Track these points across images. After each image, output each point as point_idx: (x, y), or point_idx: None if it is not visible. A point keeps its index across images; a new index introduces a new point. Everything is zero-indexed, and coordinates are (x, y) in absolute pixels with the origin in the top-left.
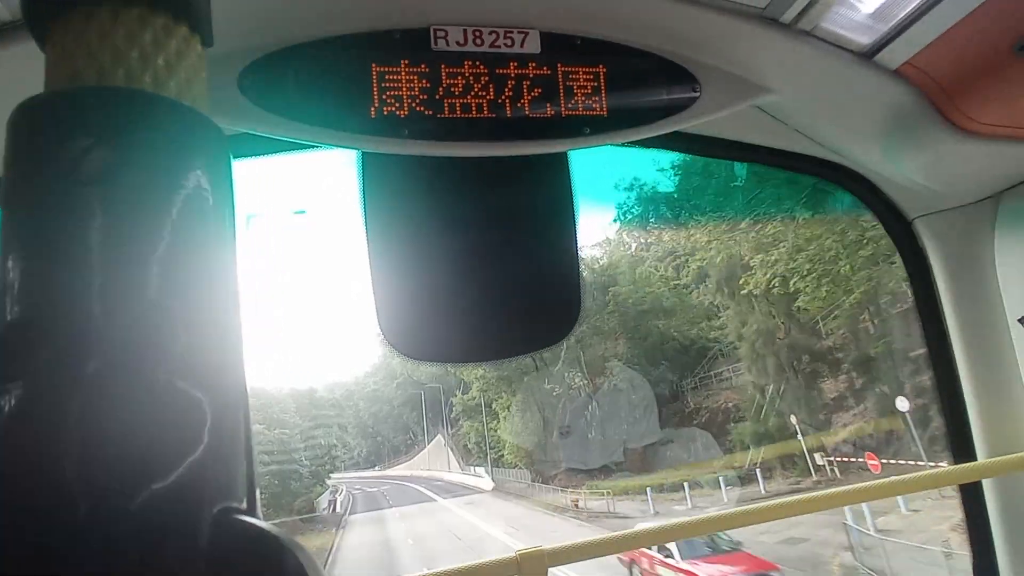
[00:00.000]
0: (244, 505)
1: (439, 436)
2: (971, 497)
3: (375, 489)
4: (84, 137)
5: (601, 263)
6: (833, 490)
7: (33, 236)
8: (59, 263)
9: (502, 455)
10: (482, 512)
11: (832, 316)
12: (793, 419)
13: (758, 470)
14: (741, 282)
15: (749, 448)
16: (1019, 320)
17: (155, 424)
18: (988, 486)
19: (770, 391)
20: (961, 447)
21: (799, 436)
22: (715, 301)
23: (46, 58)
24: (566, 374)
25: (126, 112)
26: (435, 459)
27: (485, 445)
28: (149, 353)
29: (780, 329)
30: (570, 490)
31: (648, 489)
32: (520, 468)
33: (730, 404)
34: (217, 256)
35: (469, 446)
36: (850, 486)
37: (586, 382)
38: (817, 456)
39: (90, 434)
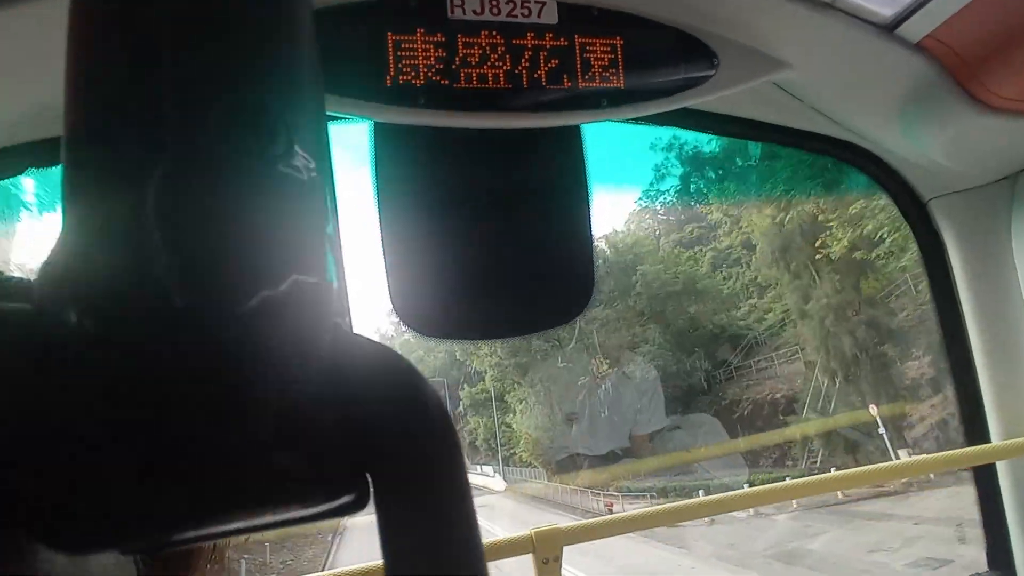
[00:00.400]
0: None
1: None
2: (984, 479)
3: None
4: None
5: (625, 239)
6: (847, 471)
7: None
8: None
9: (514, 452)
10: (502, 519)
11: (896, 293)
12: (873, 410)
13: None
14: (818, 244)
15: (810, 445)
16: None
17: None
18: (1002, 468)
19: (839, 377)
20: (975, 429)
21: (880, 429)
22: (756, 278)
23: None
24: (592, 361)
25: None
26: None
27: (496, 441)
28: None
29: (852, 305)
30: (599, 493)
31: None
32: (535, 467)
33: (777, 395)
34: None
35: (477, 443)
36: (863, 467)
37: (612, 371)
38: (903, 453)
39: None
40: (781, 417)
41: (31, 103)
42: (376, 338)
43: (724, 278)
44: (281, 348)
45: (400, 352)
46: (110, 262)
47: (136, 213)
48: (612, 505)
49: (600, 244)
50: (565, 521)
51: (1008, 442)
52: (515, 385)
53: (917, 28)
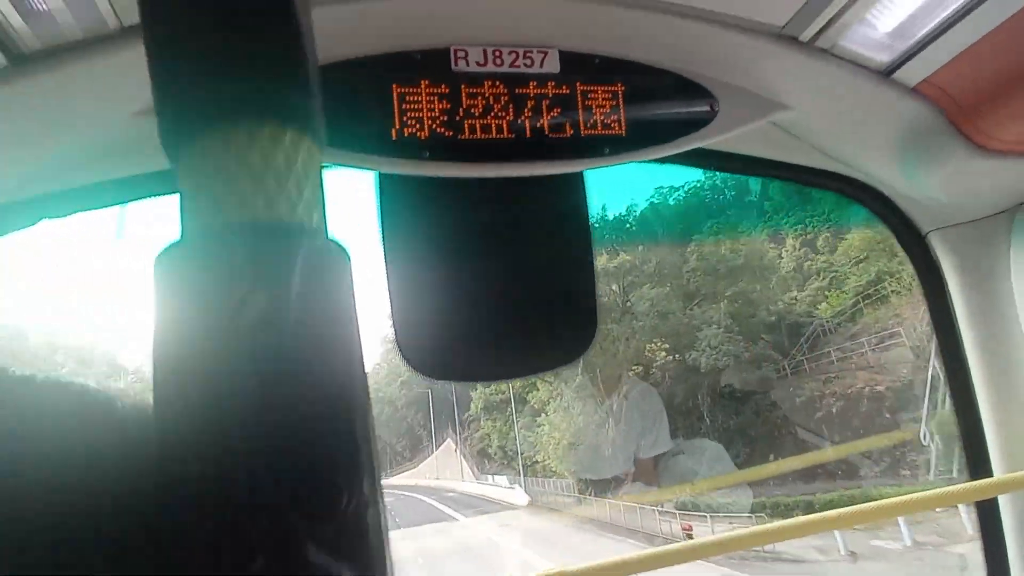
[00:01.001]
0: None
1: (448, 441)
2: (987, 514)
3: None
4: (242, 282)
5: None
6: (849, 509)
7: (192, 381)
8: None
9: (536, 462)
10: (537, 545)
11: None
12: None
13: None
14: None
15: (939, 453)
16: None
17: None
18: (1004, 502)
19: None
20: (977, 463)
21: None
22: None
23: (179, 180)
24: (646, 347)
25: (275, 249)
26: (444, 467)
27: (515, 448)
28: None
29: None
30: (667, 511)
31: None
32: (563, 477)
33: (878, 387)
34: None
35: (490, 450)
36: (865, 505)
37: (671, 357)
38: None
39: None
40: (888, 415)
41: (45, 155)
42: (370, 355)
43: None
44: None
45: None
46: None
47: None
48: (691, 529)
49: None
50: (620, 541)
51: (1011, 476)
52: (539, 385)
53: (913, 74)
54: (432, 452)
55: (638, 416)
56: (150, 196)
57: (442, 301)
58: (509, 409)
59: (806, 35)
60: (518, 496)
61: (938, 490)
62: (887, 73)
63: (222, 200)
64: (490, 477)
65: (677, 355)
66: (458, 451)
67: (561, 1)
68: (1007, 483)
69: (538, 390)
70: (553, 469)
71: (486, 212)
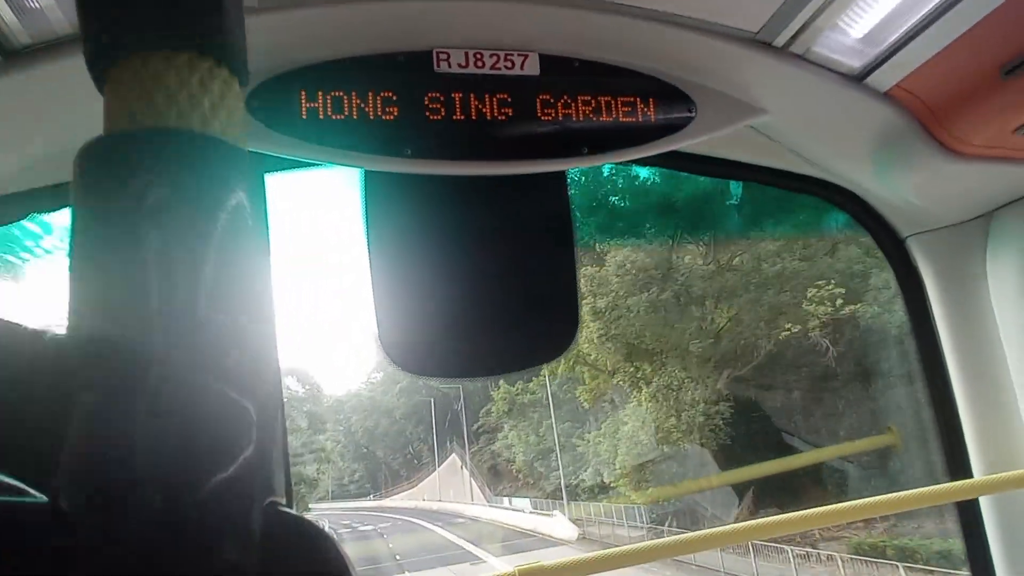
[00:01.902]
0: (284, 500)
1: (453, 456)
2: (968, 515)
3: (370, 527)
4: (145, 174)
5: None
6: (832, 506)
7: (100, 262)
8: (123, 286)
9: (582, 480)
10: None
11: None
12: None
13: None
14: None
15: None
16: None
17: (212, 427)
18: (985, 503)
19: None
20: (957, 464)
21: None
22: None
23: (104, 98)
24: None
25: (178, 151)
26: (448, 486)
27: (550, 462)
28: (202, 365)
29: None
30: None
31: None
32: (625, 501)
33: None
34: (257, 272)
35: (513, 466)
36: (848, 503)
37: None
38: None
39: (156, 434)
40: None
41: (35, 150)
42: (364, 362)
43: None
44: (221, 528)
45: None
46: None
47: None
48: None
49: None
50: None
51: (990, 477)
52: (587, 376)
53: (885, 79)
54: (435, 469)
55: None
56: None
57: (425, 298)
58: (535, 414)
59: (780, 40)
60: (560, 526)
61: (919, 490)
62: (860, 78)
63: (138, 111)
64: (506, 500)
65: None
66: (465, 468)
67: (541, 6)
68: (987, 484)
69: (586, 383)
70: (620, 488)
71: (469, 210)
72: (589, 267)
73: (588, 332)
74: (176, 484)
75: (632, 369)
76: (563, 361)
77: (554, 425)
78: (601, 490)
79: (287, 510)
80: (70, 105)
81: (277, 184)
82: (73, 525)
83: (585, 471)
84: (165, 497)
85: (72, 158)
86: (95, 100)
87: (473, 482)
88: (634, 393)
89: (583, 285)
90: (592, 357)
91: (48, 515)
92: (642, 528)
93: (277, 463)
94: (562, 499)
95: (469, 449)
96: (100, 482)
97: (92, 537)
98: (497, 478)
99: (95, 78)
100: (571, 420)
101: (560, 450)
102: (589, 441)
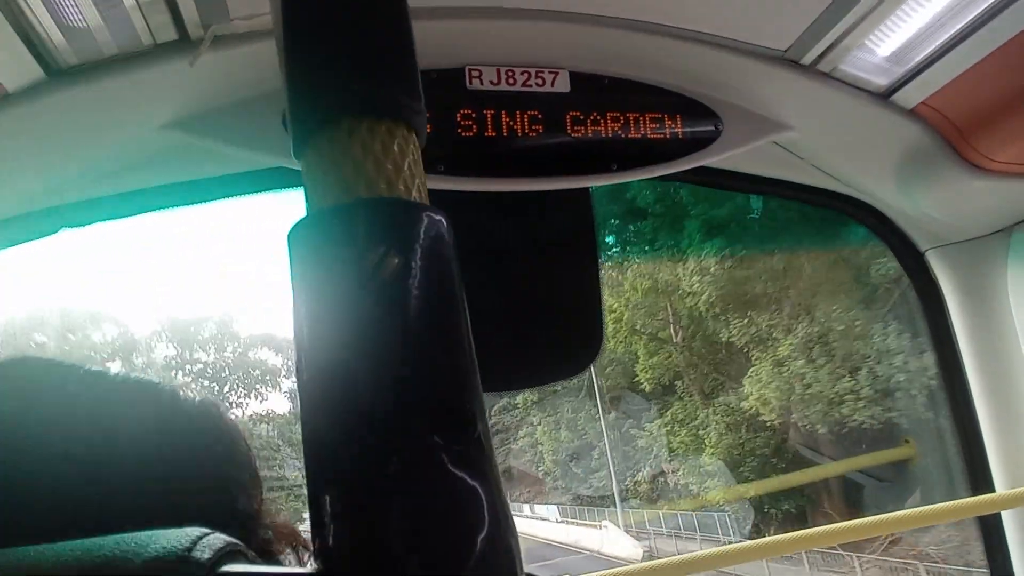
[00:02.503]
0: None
1: None
2: (990, 529)
3: None
4: (379, 245)
5: None
6: (854, 522)
7: (336, 331)
8: (360, 352)
9: (636, 483)
10: None
11: None
12: None
13: None
14: None
15: None
16: None
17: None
18: (1007, 518)
19: None
20: (979, 479)
21: None
22: None
23: (303, 169)
24: None
25: (398, 220)
26: None
27: (600, 461)
28: (430, 434)
29: None
30: None
31: None
32: (679, 498)
33: None
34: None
35: (543, 463)
36: (870, 518)
37: None
38: None
39: (408, 519)
40: None
41: (70, 167)
42: None
43: None
44: None
45: None
46: None
47: None
48: None
49: None
50: None
51: (1012, 492)
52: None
53: (911, 96)
54: None
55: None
56: (168, 207)
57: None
58: (567, 403)
59: (807, 59)
60: (613, 539)
61: (941, 505)
62: (886, 95)
63: (350, 181)
64: (525, 507)
65: None
66: None
67: (572, 24)
68: (1009, 499)
69: (641, 360)
70: (705, 489)
71: (496, 225)
72: None
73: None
74: (434, 557)
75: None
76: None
77: (601, 415)
78: (663, 492)
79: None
80: (110, 122)
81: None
82: None
83: (643, 469)
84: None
85: (106, 173)
86: (133, 117)
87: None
88: (755, 353)
89: None
90: (651, 327)
91: None
92: (734, 538)
93: (514, 541)
94: (609, 504)
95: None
96: (372, 557)
97: None
98: (515, 483)
99: (296, 145)
100: (619, 410)
101: (611, 441)
102: (651, 432)
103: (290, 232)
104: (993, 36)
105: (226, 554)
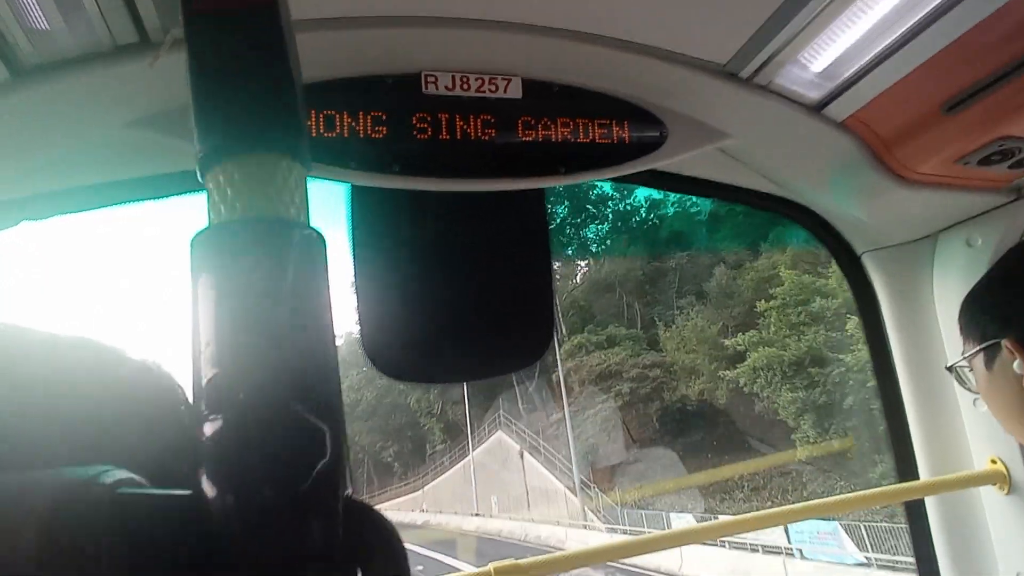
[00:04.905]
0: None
1: (500, 433)
2: (915, 514)
3: None
4: (263, 255)
5: None
6: (781, 508)
7: (231, 325)
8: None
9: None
10: None
11: None
12: None
13: None
14: None
15: None
16: (947, 368)
17: (300, 442)
18: (930, 503)
19: None
20: (905, 467)
21: None
22: None
23: (207, 191)
24: None
25: (280, 234)
26: (488, 487)
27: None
28: (289, 394)
29: None
30: None
31: None
32: None
33: None
34: (325, 305)
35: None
36: (798, 504)
37: None
38: None
39: (266, 450)
40: None
41: (33, 161)
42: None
43: None
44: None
45: None
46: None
47: None
48: None
49: None
50: None
51: (935, 479)
52: None
53: (841, 109)
54: (468, 451)
55: None
56: (131, 201)
57: (407, 306)
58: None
59: (746, 72)
60: None
61: (871, 491)
62: (818, 108)
63: (241, 202)
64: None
65: None
66: (531, 450)
67: (525, 34)
68: (932, 485)
69: None
70: None
71: (451, 224)
72: None
73: None
74: (285, 482)
75: None
76: None
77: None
78: None
79: (358, 499)
80: (73, 119)
81: None
82: (212, 511)
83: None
84: (277, 494)
85: (68, 167)
86: (95, 115)
87: (552, 478)
88: None
89: None
90: None
91: (193, 502)
92: None
93: (346, 466)
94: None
95: (551, 412)
96: (232, 478)
97: (229, 520)
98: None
99: (200, 172)
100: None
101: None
102: None
103: (192, 239)
104: (915, 54)
105: (126, 481)
